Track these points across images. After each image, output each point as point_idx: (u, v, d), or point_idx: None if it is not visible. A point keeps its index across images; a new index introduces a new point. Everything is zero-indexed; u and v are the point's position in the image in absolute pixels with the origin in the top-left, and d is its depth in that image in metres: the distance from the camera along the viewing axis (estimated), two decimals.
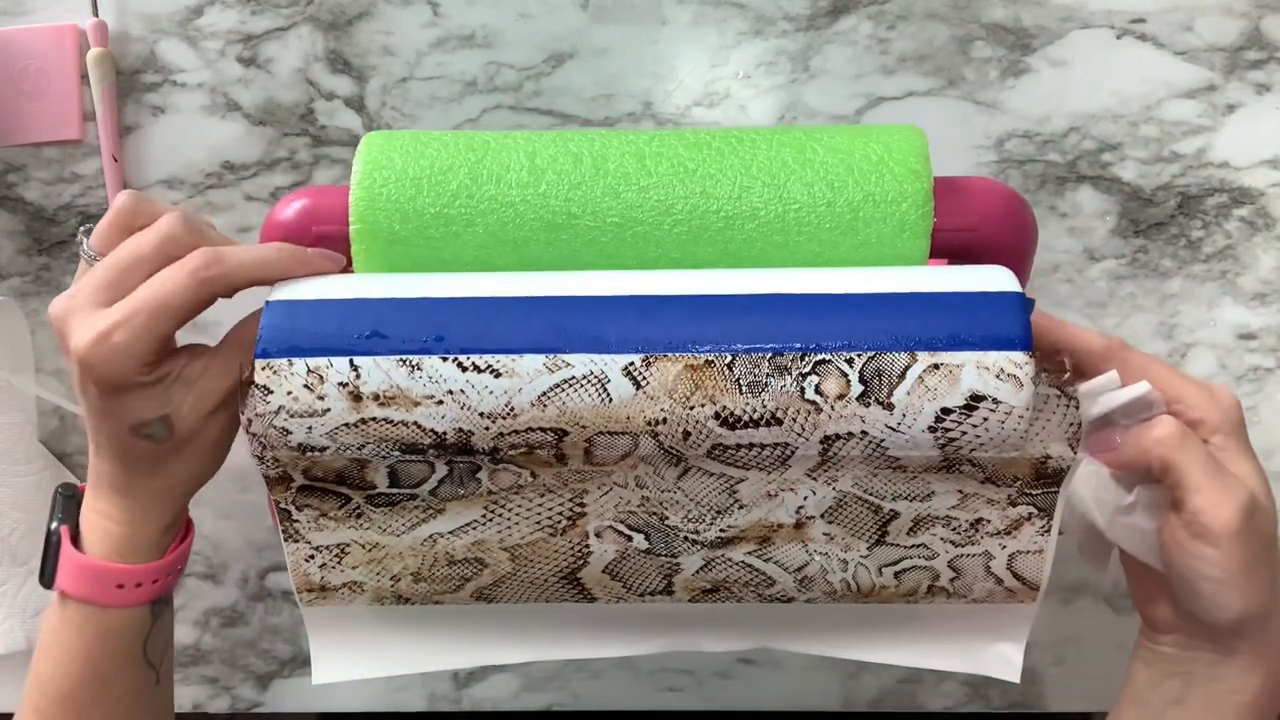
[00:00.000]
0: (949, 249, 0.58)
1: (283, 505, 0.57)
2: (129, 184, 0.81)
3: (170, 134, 0.81)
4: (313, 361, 0.54)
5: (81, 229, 0.59)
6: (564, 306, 0.55)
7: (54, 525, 0.61)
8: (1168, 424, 0.54)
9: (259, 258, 0.57)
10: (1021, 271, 0.60)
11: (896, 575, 0.59)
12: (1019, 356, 0.52)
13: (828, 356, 0.52)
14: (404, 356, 0.54)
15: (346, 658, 0.64)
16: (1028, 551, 0.57)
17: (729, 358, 0.53)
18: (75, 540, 0.60)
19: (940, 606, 0.60)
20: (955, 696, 0.86)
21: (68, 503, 0.61)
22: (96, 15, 0.79)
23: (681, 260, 0.57)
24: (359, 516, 0.58)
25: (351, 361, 0.54)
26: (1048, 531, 0.56)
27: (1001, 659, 0.62)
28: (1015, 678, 0.61)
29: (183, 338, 0.57)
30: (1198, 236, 0.78)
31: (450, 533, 0.58)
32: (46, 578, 0.61)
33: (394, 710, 0.89)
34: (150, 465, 0.59)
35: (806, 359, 0.52)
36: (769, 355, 0.53)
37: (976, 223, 0.58)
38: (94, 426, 0.58)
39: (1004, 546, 0.57)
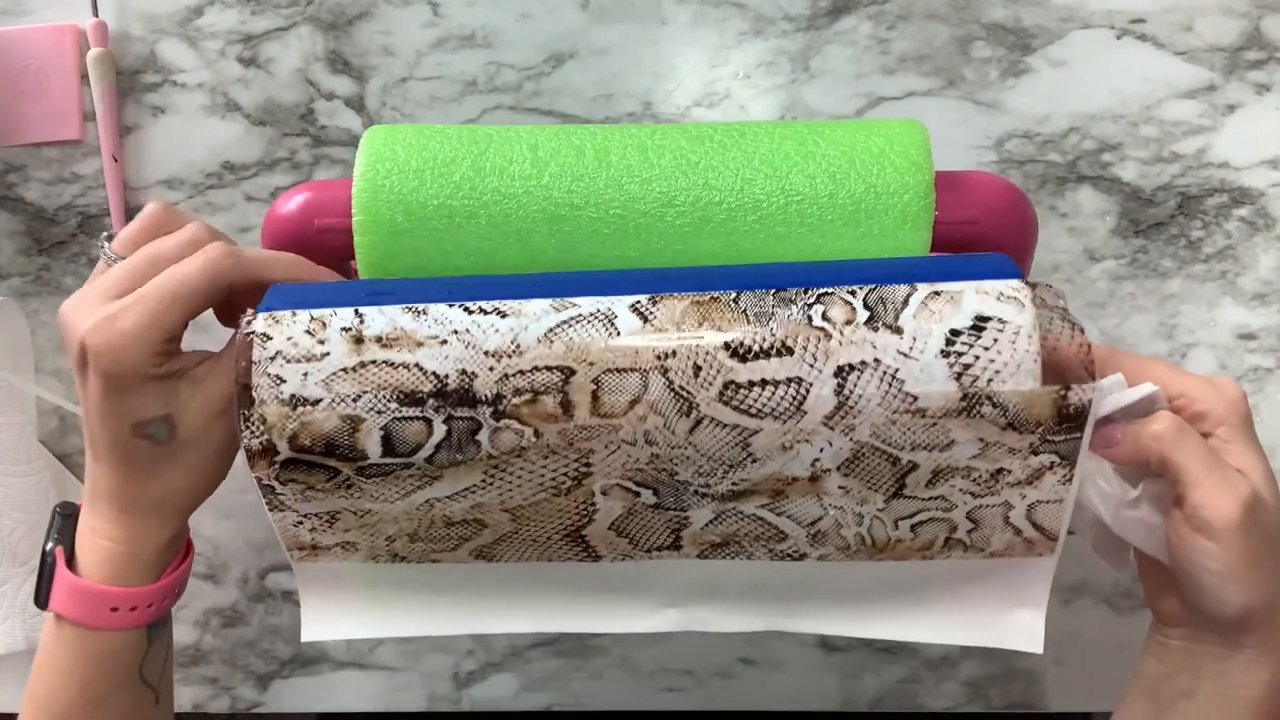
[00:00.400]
0: (950, 242, 0.58)
1: (265, 481, 0.56)
2: (129, 184, 0.81)
3: (170, 134, 0.81)
4: (317, 311, 0.54)
5: (104, 235, 0.59)
6: (570, 276, 0.57)
7: (49, 545, 0.60)
8: (1165, 419, 0.54)
9: (273, 255, 0.58)
10: (1022, 266, 0.60)
11: (913, 529, 0.58)
12: (1014, 283, 0.53)
13: (830, 290, 0.54)
14: (410, 305, 0.54)
15: (337, 616, 0.62)
16: (1048, 501, 0.56)
17: (734, 294, 0.54)
18: (71, 561, 0.59)
19: (957, 565, 0.59)
20: (955, 696, 0.86)
21: (65, 522, 0.60)
22: (96, 15, 0.79)
23: (685, 252, 0.58)
24: (349, 487, 0.56)
25: (357, 310, 0.54)
26: (1069, 480, 0.55)
27: (1023, 629, 0.60)
28: (1038, 648, 0.60)
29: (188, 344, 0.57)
30: (1198, 236, 0.78)
31: (448, 498, 0.57)
32: (41, 599, 0.60)
33: (394, 710, 0.89)
34: (148, 470, 0.58)
35: (810, 292, 0.54)
36: (773, 291, 0.54)
37: (977, 216, 0.58)
38: (93, 425, 0.57)
39: (1024, 496, 0.56)
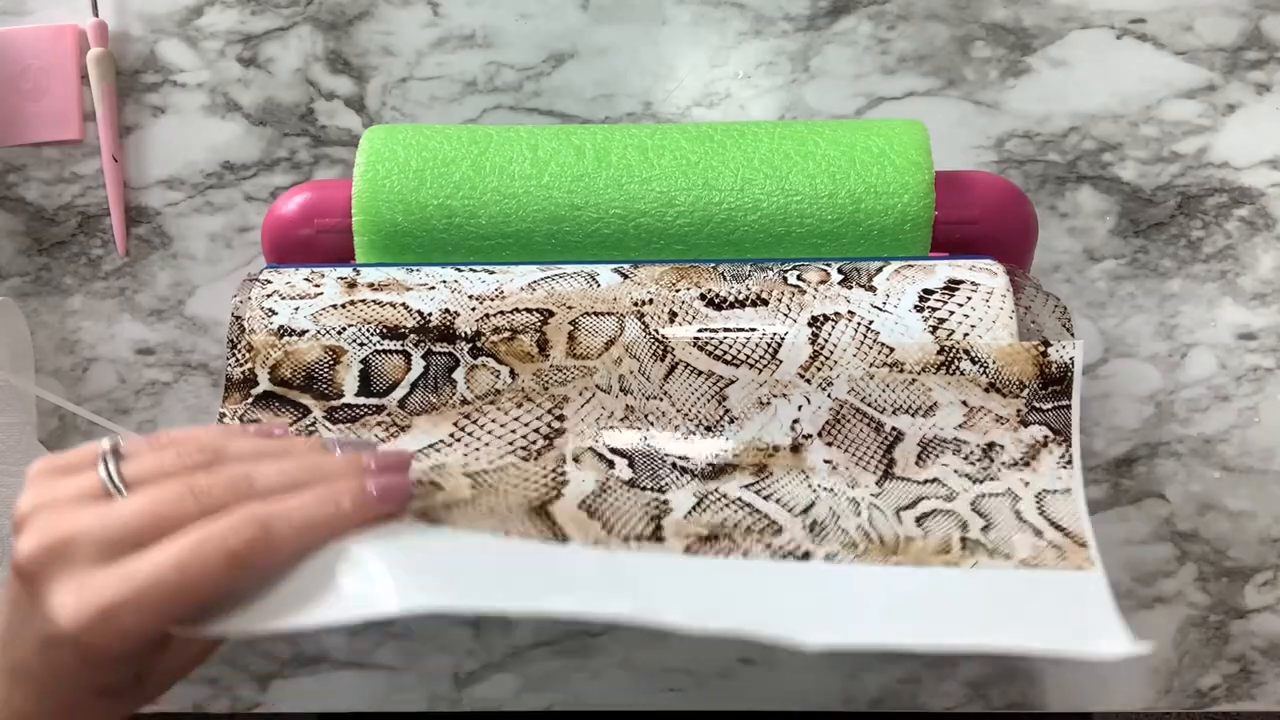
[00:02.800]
0: (950, 242, 0.58)
1: (228, 419, 0.53)
2: (129, 184, 0.81)
3: (170, 134, 0.81)
4: (318, 267, 0.56)
5: (110, 444, 0.45)
6: (562, 262, 0.58)
7: None
8: None
9: (312, 518, 0.44)
10: (1022, 265, 0.60)
11: (919, 522, 0.54)
12: (986, 261, 0.54)
13: (805, 263, 0.55)
14: (407, 266, 0.56)
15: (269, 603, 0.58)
16: (1055, 490, 0.53)
17: (713, 264, 0.55)
18: None
19: (992, 580, 0.51)
20: (955, 697, 0.86)
21: None
22: (96, 15, 0.79)
23: (685, 252, 0.58)
24: (311, 435, 0.53)
25: (356, 268, 0.56)
26: (1069, 463, 0.53)
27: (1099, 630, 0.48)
28: (1136, 648, 0.43)
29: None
30: (1198, 236, 0.78)
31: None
32: None
33: (394, 710, 0.89)
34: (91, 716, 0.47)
35: (786, 263, 0.55)
36: (750, 263, 0.55)
37: (977, 215, 0.58)
38: (43, 685, 0.45)
39: (1027, 484, 0.54)
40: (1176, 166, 0.78)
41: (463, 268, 0.55)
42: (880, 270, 0.54)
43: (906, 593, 0.53)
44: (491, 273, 0.55)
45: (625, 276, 0.55)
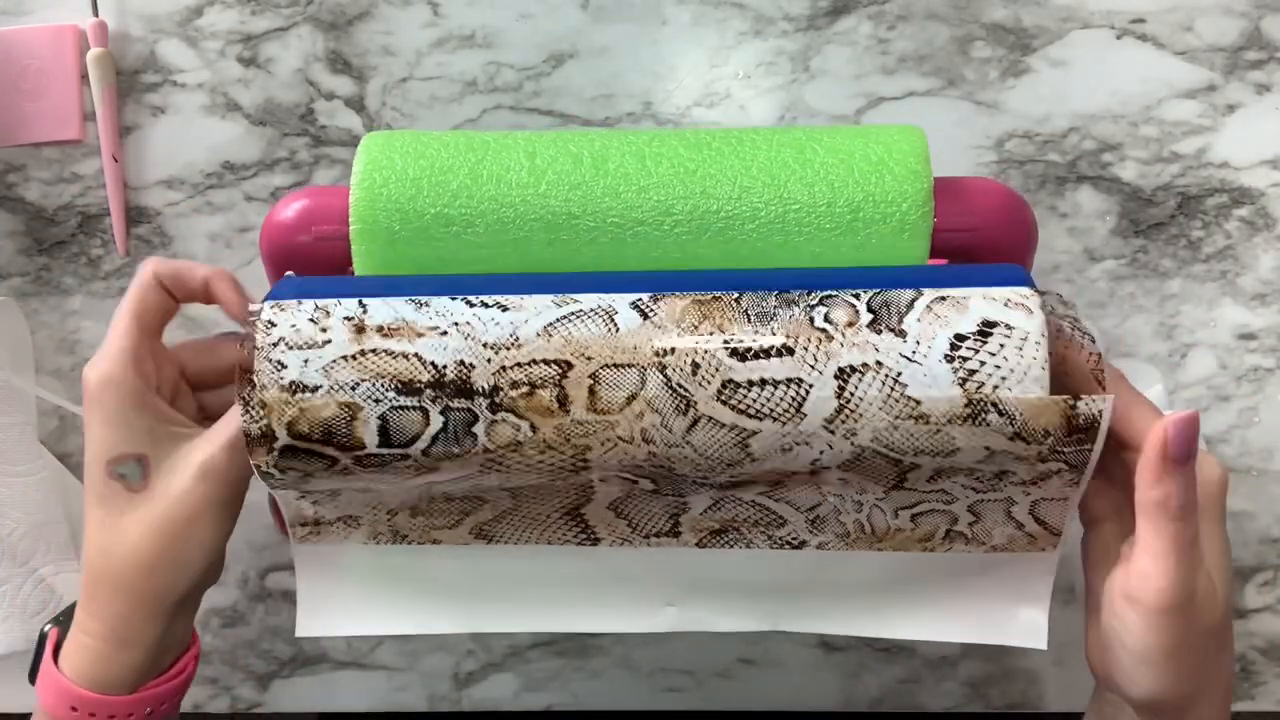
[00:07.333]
0: (949, 249, 0.58)
1: (264, 469, 0.55)
2: (129, 184, 0.81)
3: (170, 134, 0.81)
4: (322, 300, 0.55)
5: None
6: (575, 275, 0.57)
7: (47, 626, 0.58)
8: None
9: (192, 263, 0.59)
10: None
11: (914, 518, 0.57)
12: (1023, 290, 0.53)
13: (833, 293, 0.54)
14: (414, 298, 0.55)
15: (335, 611, 0.62)
16: (1052, 499, 0.55)
17: (735, 295, 0.54)
18: (60, 647, 0.57)
19: (957, 559, 0.59)
20: (955, 696, 0.86)
21: (74, 605, 0.57)
22: (96, 15, 0.79)
23: (682, 260, 0.57)
24: (346, 474, 0.55)
25: (361, 301, 0.54)
26: (1076, 484, 0.54)
27: (1025, 625, 0.60)
28: (1041, 644, 0.59)
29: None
30: (1198, 236, 0.78)
31: (448, 482, 0.56)
32: (31, 675, 0.58)
33: (394, 710, 0.89)
34: (115, 523, 0.55)
35: (813, 294, 0.54)
36: (775, 293, 0.54)
37: (976, 223, 0.58)
38: (84, 474, 0.56)
39: (1028, 494, 0.55)
40: (1176, 166, 0.78)
41: (474, 302, 0.54)
42: (911, 307, 0.52)
43: (871, 578, 0.60)
44: (505, 309, 0.54)
45: (645, 316, 0.53)
